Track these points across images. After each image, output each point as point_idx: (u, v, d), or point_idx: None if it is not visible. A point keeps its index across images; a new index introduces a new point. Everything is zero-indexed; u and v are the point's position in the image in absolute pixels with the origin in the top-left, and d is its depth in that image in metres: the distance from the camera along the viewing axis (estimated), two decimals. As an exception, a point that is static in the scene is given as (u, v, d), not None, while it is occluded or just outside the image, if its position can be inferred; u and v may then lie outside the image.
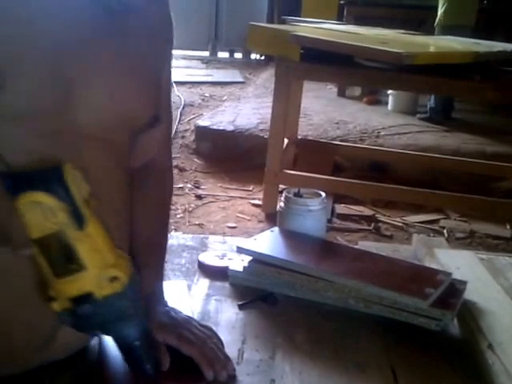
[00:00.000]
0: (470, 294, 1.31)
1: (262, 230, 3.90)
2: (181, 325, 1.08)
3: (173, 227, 3.97)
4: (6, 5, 0.83)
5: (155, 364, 0.92)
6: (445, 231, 4.27)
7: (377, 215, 4.43)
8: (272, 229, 1.50)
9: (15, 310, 0.93)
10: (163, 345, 1.04)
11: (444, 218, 4.47)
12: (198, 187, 4.81)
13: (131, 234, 1.12)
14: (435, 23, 6.26)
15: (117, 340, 0.88)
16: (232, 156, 5.29)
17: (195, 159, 5.40)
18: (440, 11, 6.22)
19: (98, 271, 0.81)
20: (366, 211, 4.47)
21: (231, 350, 1.11)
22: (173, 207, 4.23)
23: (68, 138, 0.90)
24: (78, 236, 0.79)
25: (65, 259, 0.79)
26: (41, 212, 0.77)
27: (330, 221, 4.12)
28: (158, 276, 1.19)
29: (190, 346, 1.04)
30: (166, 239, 1.26)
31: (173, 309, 1.13)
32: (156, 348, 0.98)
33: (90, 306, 0.81)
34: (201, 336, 1.07)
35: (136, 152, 1.09)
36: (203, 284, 1.39)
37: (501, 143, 5.42)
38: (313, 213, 1.48)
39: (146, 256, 1.15)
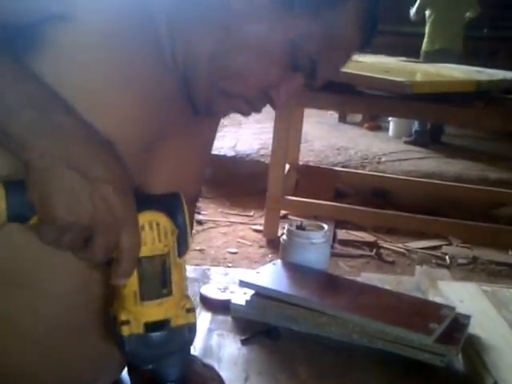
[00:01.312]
0: (474, 328, 1.30)
1: (263, 256, 3.89)
2: None
3: (174, 253, 3.95)
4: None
5: None
6: (447, 257, 4.25)
7: (379, 241, 4.42)
8: (274, 261, 1.49)
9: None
10: None
11: (446, 245, 4.46)
12: (198, 212, 4.79)
13: None
14: (423, 48, 6.33)
15: (156, 376, 0.86)
16: (233, 181, 5.29)
17: (196, 184, 5.39)
18: (427, 36, 6.30)
19: (179, 300, 0.83)
20: (368, 237, 4.46)
21: (234, 388, 1.11)
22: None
23: None
24: (176, 262, 0.82)
25: (160, 282, 0.81)
26: (157, 232, 0.79)
27: (331, 247, 4.11)
28: None
29: None
30: None
31: None
32: None
33: (163, 333, 0.82)
34: (204, 376, 1.05)
35: None
36: (205, 318, 1.38)
37: (502, 169, 5.42)
38: (315, 246, 1.48)
39: None
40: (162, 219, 0.80)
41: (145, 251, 0.78)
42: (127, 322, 0.80)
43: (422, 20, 6.47)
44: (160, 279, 0.81)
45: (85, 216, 0.71)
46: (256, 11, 0.86)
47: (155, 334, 0.81)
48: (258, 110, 0.96)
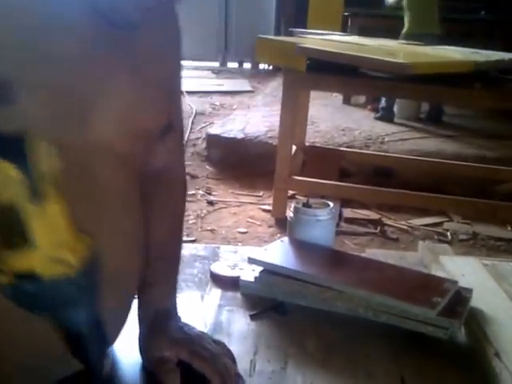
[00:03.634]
0: (475, 302, 1.28)
1: (272, 235, 3.90)
2: (194, 340, 1.05)
3: (185, 233, 3.94)
4: (16, 14, 0.79)
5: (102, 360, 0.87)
6: (448, 233, 4.24)
7: (383, 219, 4.41)
8: (282, 239, 1.48)
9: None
10: (174, 361, 1.02)
11: (447, 221, 4.45)
12: (209, 193, 4.79)
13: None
14: (402, 32, 6.28)
15: (64, 327, 0.81)
16: (242, 163, 5.28)
17: (207, 166, 5.39)
18: (406, 22, 6.26)
19: (49, 251, 0.76)
20: (372, 215, 4.45)
21: (243, 362, 1.09)
22: (185, 213, 4.21)
23: (78, 154, 0.85)
24: (34, 211, 0.74)
25: (16, 233, 0.74)
26: None
27: (337, 225, 4.10)
28: (171, 290, 1.16)
29: (202, 361, 1.01)
30: (179, 252, 1.21)
31: (186, 324, 1.10)
32: (107, 343, 0.94)
33: (33, 285, 0.76)
34: (214, 352, 1.03)
35: (147, 161, 1.06)
36: (215, 294, 1.36)
37: (498, 148, 5.39)
38: (321, 222, 1.46)
39: (158, 269, 1.12)
40: (3, 166, 0.72)
41: None
42: (2, 271, 0.75)
43: (398, 5, 6.44)
44: (15, 230, 0.74)
45: None
46: None
47: (25, 286, 0.76)
48: None
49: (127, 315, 1.05)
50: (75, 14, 0.85)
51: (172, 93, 1.09)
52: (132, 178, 0.99)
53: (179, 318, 1.12)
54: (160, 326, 1.07)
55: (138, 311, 1.11)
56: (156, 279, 1.12)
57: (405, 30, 6.29)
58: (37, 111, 0.80)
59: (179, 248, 1.22)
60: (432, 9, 6.26)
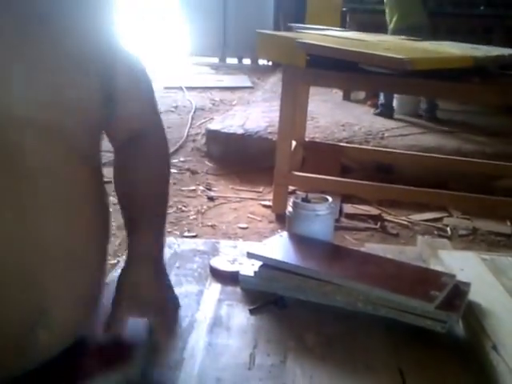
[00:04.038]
0: (473, 295, 1.29)
1: (273, 230, 3.90)
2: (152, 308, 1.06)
3: (186, 228, 3.98)
4: None
5: None
6: (448, 229, 4.24)
7: (383, 214, 4.41)
8: (281, 233, 1.49)
9: None
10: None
11: (447, 216, 4.45)
12: (209, 189, 4.79)
13: (127, 195, 1.10)
14: (389, 28, 6.24)
15: None
16: (242, 158, 5.28)
17: (206, 162, 5.39)
18: (392, 16, 6.22)
19: None
20: (373, 210, 4.45)
21: (243, 355, 1.10)
22: (186, 209, 4.24)
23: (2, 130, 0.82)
24: None
25: None
26: None
27: (337, 220, 4.11)
28: (152, 238, 1.11)
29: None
30: (163, 205, 1.18)
31: (159, 287, 1.10)
32: None
33: None
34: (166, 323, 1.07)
35: (99, 136, 1.02)
36: (215, 289, 1.37)
37: (498, 143, 5.38)
38: (320, 217, 1.47)
39: (140, 221, 1.10)
40: None
41: None
42: None
43: None
44: None
45: None
46: None
47: None
48: None
49: (89, 304, 1.04)
50: None
51: (106, 60, 0.98)
52: (75, 156, 0.93)
53: (162, 270, 1.13)
54: (129, 288, 1.05)
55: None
56: (137, 228, 1.09)
57: (392, 25, 6.24)
58: None
59: (163, 200, 1.19)
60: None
